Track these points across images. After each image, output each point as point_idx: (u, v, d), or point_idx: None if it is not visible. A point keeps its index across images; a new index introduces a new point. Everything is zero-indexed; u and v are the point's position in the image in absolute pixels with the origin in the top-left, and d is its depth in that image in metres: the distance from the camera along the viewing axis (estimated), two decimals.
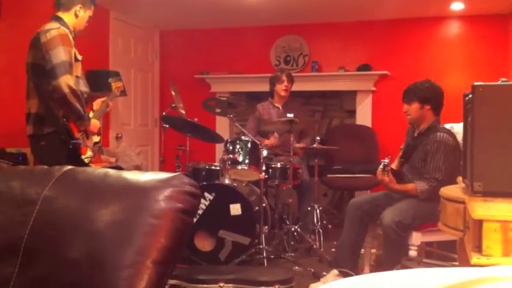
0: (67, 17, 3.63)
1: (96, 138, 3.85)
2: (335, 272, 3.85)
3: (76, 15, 3.66)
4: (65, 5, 3.64)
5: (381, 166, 3.66)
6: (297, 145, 5.35)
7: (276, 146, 5.33)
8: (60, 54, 3.39)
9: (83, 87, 3.65)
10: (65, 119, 3.48)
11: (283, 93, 5.49)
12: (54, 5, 3.68)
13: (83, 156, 3.57)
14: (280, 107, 5.54)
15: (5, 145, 4.79)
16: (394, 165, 3.90)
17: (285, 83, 5.46)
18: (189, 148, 4.91)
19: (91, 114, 3.76)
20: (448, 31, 6.54)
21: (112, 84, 4.12)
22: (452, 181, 3.47)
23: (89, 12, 3.76)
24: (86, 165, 3.55)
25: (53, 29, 3.45)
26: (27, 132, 3.57)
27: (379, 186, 4.75)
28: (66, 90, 3.37)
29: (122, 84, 4.26)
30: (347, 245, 3.94)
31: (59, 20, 3.58)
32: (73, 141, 3.49)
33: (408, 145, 3.91)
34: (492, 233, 1.91)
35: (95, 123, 3.73)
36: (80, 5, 3.66)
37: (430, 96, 3.76)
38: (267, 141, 5.25)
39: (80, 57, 3.64)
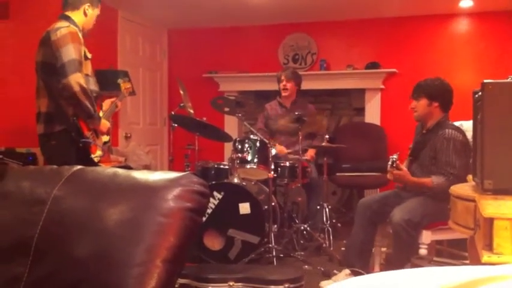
0: (76, 16, 3.63)
1: (105, 138, 3.86)
2: (346, 271, 3.85)
3: (85, 14, 3.66)
4: (73, 4, 3.64)
5: (390, 162, 3.65)
6: (310, 151, 5.36)
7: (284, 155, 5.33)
8: (70, 52, 3.40)
9: (93, 86, 3.66)
10: (75, 117, 3.48)
11: (283, 93, 5.49)
12: (62, 4, 3.68)
13: (92, 155, 3.57)
14: (288, 106, 5.54)
15: (15, 145, 4.82)
16: (403, 165, 3.87)
17: (283, 83, 5.46)
18: (198, 147, 4.91)
19: (101, 114, 3.77)
20: (457, 28, 6.51)
21: (121, 85, 4.13)
22: (463, 178, 3.45)
23: (97, 11, 3.75)
24: (96, 164, 3.56)
25: (63, 27, 3.46)
26: (37, 131, 3.57)
27: (389, 185, 4.74)
28: (76, 88, 3.38)
29: (131, 85, 4.27)
30: (357, 245, 3.94)
31: (67, 19, 3.58)
32: (83, 139, 3.49)
33: (417, 142, 3.89)
34: (503, 231, 1.90)
35: (105, 123, 3.74)
36: (88, 4, 3.66)
37: (439, 94, 3.75)
38: (278, 147, 5.24)
39: (89, 56, 3.64)
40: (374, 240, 3.99)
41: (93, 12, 3.71)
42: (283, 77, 5.48)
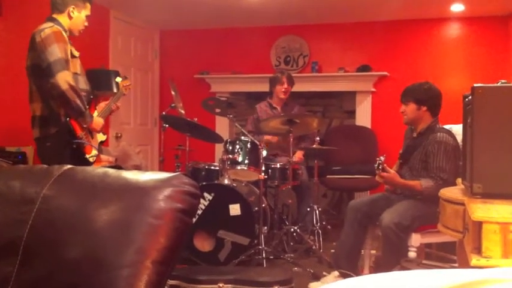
0: (61, 18, 3.59)
1: (102, 137, 3.84)
2: (335, 273, 3.86)
3: (70, 17, 3.61)
4: (59, 7, 3.60)
5: (376, 165, 3.66)
6: (298, 153, 5.36)
7: (276, 144, 5.32)
8: (55, 52, 3.37)
9: (83, 85, 3.63)
10: (67, 118, 3.46)
11: (282, 96, 5.49)
12: (50, 7, 3.64)
13: (87, 156, 3.55)
14: (279, 109, 5.54)
15: (4, 144, 4.79)
16: (394, 168, 3.89)
17: (285, 85, 5.45)
18: (189, 148, 4.90)
19: (95, 114, 3.73)
20: (448, 32, 6.54)
21: (119, 83, 4.09)
22: (453, 182, 3.47)
23: (85, 12, 3.68)
24: (91, 164, 3.54)
25: (46, 28, 3.43)
26: (33, 135, 3.54)
27: (379, 187, 4.75)
28: (64, 86, 3.35)
29: (130, 83, 4.22)
30: (346, 247, 3.94)
31: (53, 20, 3.55)
32: (76, 140, 3.47)
33: (408, 146, 3.90)
34: (492, 234, 1.91)
35: (98, 121, 3.70)
36: (72, 6, 3.60)
37: (427, 98, 3.76)
38: (267, 137, 5.25)
39: (76, 54, 3.61)
40: (363, 242, 4.00)
41: (79, 14, 3.64)
42: (284, 79, 5.46)
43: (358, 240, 3.94)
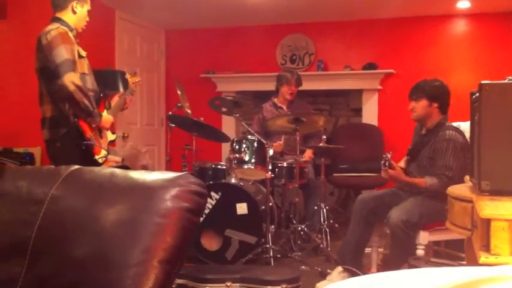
0: (65, 16, 3.57)
1: (111, 136, 3.83)
2: (339, 269, 3.84)
3: (74, 12, 3.58)
4: (60, 4, 3.58)
5: (382, 161, 3.66)
6: (307, 152, 5.34)
7: (280, 152, 5.31)
8: (62, 53, 3.37)
9: (90, 85, 3.63)
10: (76, 119, 3.47)
11: (288, 97, 5.47)
12: (51, 6, 3.62)
13: (96, 157, 3.55)
14: (285, 108, 5.52)
15: (12, 145, 4.81)
16: (401, 164, 3.88)
17: (292, 87, 5.41)
18: (195, 147, 4.91)
19: (105, 113, 3.73)
20: (454, 29, 6.52)
21: (129, 79, 4.07)
22: (460, 179, 3.46)
23: (87, 6, 3.66)
24: (100, 165, 3.53)
25: (52, 30, 3.43)
26: (43, 137, 3.54)
27: (386, 185, 4.74)
28: (71, 87, 3.36)
29: (140, 79, 4.18)
30: (352, 242, 3.94)
31: (58, 20, 3.54)
32: (85, 142, 3.47)
33: (416, 143, 3.89)
34: (500, 232, 1.90)
35: (107, 119, 3.68)
36: (75, 1, 3.58)
37: (439, 95, 3.75)
38: (274, 144, 5.24)
39: (84, 54, 3.60)
40: (369, 239, 3.98)
41: (82, 8, 3.62)
42: (293, 81, 5.39)
43: (364, 236, 3.93)
